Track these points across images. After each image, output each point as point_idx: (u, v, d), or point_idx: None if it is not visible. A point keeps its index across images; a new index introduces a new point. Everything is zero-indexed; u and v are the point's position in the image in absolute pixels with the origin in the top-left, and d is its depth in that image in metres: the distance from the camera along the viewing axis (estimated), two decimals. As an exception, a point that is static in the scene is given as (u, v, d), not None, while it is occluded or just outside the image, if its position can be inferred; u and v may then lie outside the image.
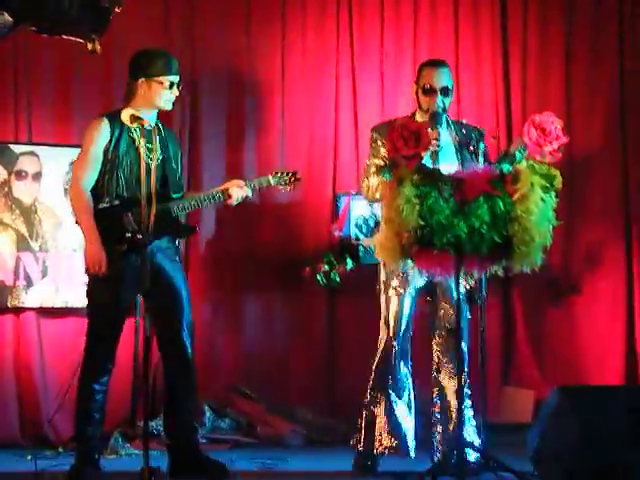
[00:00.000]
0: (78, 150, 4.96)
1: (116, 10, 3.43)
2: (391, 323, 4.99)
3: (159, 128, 4.98)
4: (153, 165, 4.78)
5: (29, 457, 5.35)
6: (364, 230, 6.26)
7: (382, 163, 4.92)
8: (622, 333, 6.55)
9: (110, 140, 4.85)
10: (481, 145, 5.03)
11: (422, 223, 4.49)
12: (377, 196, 4.93)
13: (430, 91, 4.96)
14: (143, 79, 4.90)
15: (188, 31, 6.40)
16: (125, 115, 4.67)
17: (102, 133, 4.85)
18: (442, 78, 4.98)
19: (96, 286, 4.86)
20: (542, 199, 4.53)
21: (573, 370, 6.43)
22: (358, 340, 6.24)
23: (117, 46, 5.76)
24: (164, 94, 4.92)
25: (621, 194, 6.60)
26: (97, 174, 4.84)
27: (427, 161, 4.70)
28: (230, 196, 5.05)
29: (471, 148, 5.01)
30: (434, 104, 4.94)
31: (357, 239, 6.24)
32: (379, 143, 4.97)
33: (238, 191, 5.06)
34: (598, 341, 6.53)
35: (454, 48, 6.57)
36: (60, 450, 5.62)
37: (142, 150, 4.73)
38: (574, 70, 6.62)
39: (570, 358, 6.49)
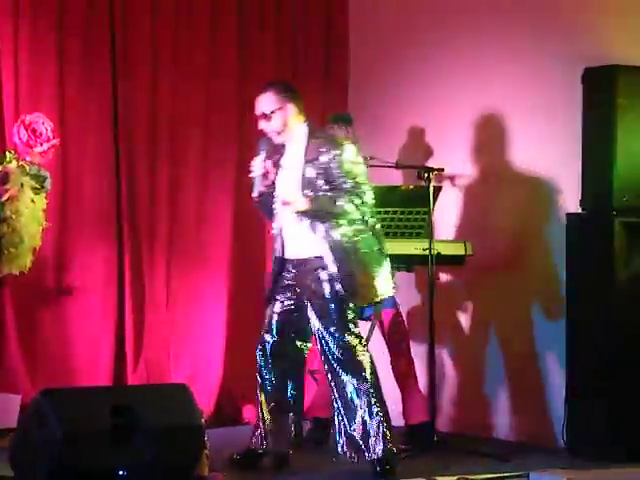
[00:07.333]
0: None
1: None
2: None
3: None
4: None
5: None
6: None
7: None
8: (112, 335, 6.67)
9: None
10: None
11: None
12: None
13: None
14: None
15: None
16: None
17: None
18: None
19: None
20: (32, 200, 4.54)
21: (65, 373, 6.41)
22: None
23: None
24: None
25: (113, 194, 6.69)
26: None
27: None
28: None
29: None
30: None
31: None
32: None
33: None
34: (90, 344, 6.58)
35: None
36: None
37: None
38: (67, 71, 6.54)
39: (61, 361, 6.47)
